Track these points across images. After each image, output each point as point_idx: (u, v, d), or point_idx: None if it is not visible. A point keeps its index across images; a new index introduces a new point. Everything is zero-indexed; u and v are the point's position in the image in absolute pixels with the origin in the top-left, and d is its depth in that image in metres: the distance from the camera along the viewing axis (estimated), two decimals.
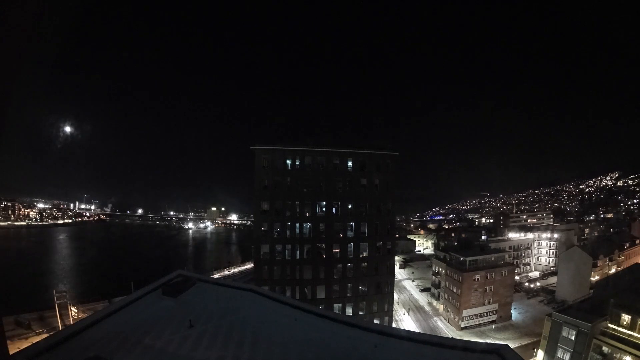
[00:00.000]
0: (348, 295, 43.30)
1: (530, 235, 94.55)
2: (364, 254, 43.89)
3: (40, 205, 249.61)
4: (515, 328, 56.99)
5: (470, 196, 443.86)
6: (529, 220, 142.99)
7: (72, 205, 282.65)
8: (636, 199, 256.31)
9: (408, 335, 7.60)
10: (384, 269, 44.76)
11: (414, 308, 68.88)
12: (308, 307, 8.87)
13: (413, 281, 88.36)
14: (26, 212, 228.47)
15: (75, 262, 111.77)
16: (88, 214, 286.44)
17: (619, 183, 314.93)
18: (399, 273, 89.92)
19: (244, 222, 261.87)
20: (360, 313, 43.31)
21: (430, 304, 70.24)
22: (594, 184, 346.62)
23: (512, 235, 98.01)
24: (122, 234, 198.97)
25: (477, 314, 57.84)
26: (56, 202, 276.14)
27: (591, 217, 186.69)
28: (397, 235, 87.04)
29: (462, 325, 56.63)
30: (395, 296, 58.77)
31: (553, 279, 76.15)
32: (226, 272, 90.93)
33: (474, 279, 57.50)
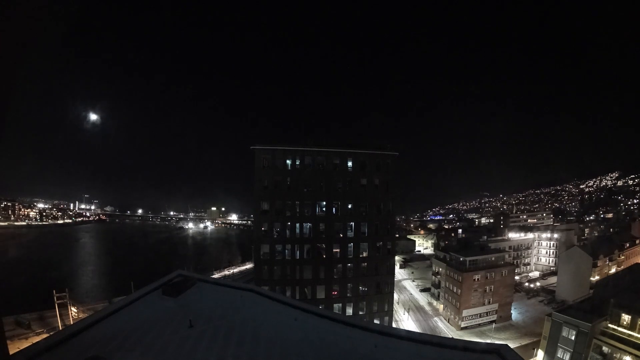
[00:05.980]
0: (348, 295, 43.30)
1: (530, 235, 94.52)
2: (364, 254, 43.88)
3: (40, 205, 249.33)
4: (515, 328, 56.98)
5: (470, 196, 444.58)
6: (529, 220, 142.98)
7: (72, 205, 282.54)
8: (636, 199, 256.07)
9: (408, 335, 7.59)
10: (384, 269, 44.74)
11: (414, 308, 68.87)
12: (308, 307, 8.86)
13: (413, 281, 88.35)
14: (26, 212, 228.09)
15: (76, 262, 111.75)
16: (88, 214, 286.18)
17: (619, 183, 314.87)
18: (399, 273, 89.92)
19: (244, 222, 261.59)
20: (360, 313, 43.31)
21: (430, 304, 70.23)
22: (594, 184, 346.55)
23: (512, 235, 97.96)
24: (122, 234, 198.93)
25: (477, 314, 57.83)
26: (56, 202, 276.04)
27: (591, 217, 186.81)
28: (397, 235, 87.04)
29: (462, 325, 56.62)
30: (395, 296, 58.77)
31: (553, 279, 76.16)
32: (226, 272, 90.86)
33: (474, 279, 57.49)
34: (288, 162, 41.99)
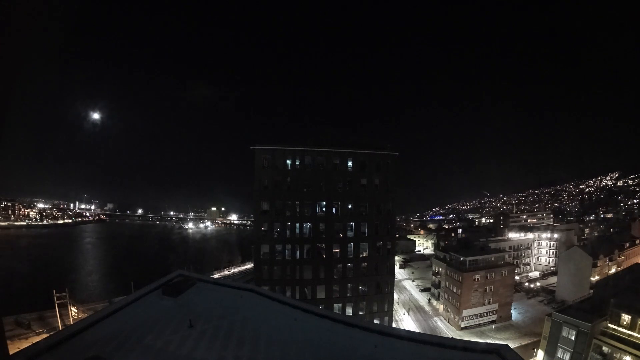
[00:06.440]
0: (348, 295, 43.31)
1: (530, 235, 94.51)
2: (364, 254, 43.90)
3: (40, 205, 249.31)
4: (515, 328, 56.99)
5: (470, 196, 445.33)
6: (529, 220, 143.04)
7: (72, 205, 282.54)
8: (636, 199, 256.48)
9: (408, 335, 7.59)
10: (384, 269, 44.76)
11: (414, 308, 68.87)
12: (308, 307, 8.85)
13: (413, 281, 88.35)
14: (26, 212, 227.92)
15: (76, 262, 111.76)
16: (88, 214, 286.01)
17: (619, 183, 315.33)
18: (399, 273, 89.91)
19: (244, 222, 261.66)
20: (360, 313, 43.33)
21: (430, 304, 70.23)
22: (594, 184, 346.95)
23: (512, 235, 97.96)
24: (122, 234, 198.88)
25: (477, 314, 57.83)
26: (56, 202, 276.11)
27: (591, 217, 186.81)
28: (397, 235, 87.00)
29: (462, 325, 56.63)
30: (395, 296, 58.77)
31: (553, 279, 76.15)
32: (226, 272, 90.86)
33: (474, 279, 57.49)
34: (288, 162, 42.01)
